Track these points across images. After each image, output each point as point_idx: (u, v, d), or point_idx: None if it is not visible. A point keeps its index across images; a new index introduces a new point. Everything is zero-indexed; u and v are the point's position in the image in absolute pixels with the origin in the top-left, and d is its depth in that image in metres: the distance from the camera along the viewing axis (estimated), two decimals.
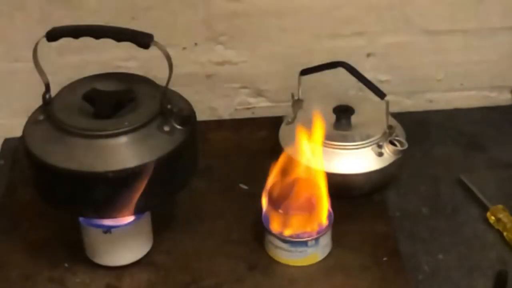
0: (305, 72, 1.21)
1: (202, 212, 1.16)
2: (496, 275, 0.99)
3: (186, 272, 1.07)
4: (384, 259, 1.08)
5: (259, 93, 1.38)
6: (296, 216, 1.06)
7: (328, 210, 1.07)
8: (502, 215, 1.11)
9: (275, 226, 1.07)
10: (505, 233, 1.10)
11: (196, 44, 1.31)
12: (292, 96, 1.23)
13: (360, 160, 1.15)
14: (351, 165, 1.14)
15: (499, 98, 1.40)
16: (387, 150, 1.15)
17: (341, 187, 1.09)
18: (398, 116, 1.21)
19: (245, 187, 1.19)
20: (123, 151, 0.97)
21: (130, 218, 1.04)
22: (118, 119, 0.99)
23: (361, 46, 1.33)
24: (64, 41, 0.99)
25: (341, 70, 1.16)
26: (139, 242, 1.08)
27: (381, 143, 1.15)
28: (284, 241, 1.06)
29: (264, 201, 1.08)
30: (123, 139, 0.97)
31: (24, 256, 1.10)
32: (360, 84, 1.16)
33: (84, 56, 1.28)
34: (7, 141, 1.32)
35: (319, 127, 1.09)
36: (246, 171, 1.23)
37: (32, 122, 1.02)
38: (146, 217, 1.07)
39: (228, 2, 1.27)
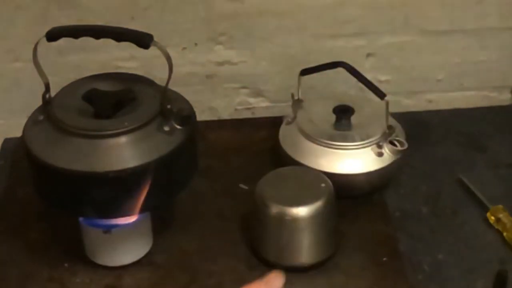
0: (305, 72, 1.21)
1: (202, 212, 1.16)
2: (496, 275, 0.99)
3: (186, 272, 1.07)
4: (384, 259, 1.08)
5: (259, 93, 1.38)
6: None
7: None
8: (502, 215, 1.11)
9: None
10: (505, 233, 1.10)
11: (196, 44, 1.31)
12: (292, 96, 1.23)
13: (360, 160, 1.15)
14: (351, 165, 1.14)
15: (499, 98, 1.40)
16: (387, 150, 1.15)
17: (341, 187, 1.09)
18: (398, 116, 1.21)
19: (245, 187, 1.19)
20: (123, 151, 0.97)
21: (130, 218, 1.04)
22: (118, 119, 0.99)
23: (361, 46, 1.33)
24: (64, 41, 0.99)
25: (341, 70, 1.16)
26: (139, 242, 1.08)
27: (381, 143, 1.15)
28: None
29: None
30: (123, 139, 0.97)
31: (24, 256, 1.10)
32: (360, 84, 1.16)
33: (84, 56, 1.28)
34: (7, 141, 1.32)
35: None
36: (246, 171, 1.23)
37: (32, 122, 1.02)
38: (146, 217, 1.07)
39: (228, 2, 1.28)
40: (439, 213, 1.16)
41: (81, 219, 1.05)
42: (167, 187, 1.01)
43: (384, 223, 1.13)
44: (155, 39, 0.97)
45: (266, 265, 1.07)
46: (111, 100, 1.00)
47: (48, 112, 1.00)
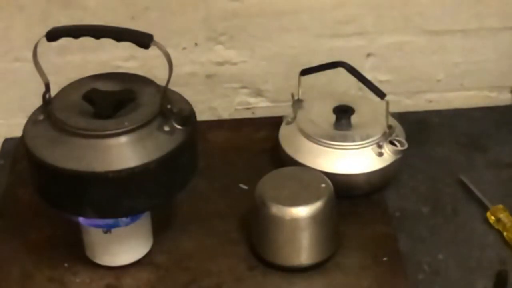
0: (305, 72, 1.21)
1: (202, 212, 1.16)
2: (496, 275, 0.99)
3: (186, 272, 1.07)
4: (384, 259, 1.08)
5: (259, 93, 1.38)
6: None
7: None
8: (502, 215, 1.11)
9: None
10: (505, 233, 1.10)
11: (196, 44, 1.31)
12: (292, 96, 1.23)
13: (360, 160, 1.15)
14: (351, 165, 1.14)
15: (499, 98, 1.40)
16: (387, 150, 1.15)
17: (341, 187, 1.09)
18: (398, 116, 1.21)
19: (245, 187, 1.19)
20: (123, 151, 0.97)
21: (130, 218, 1.04)
22: (118, 119, 0.99)
23: (361, 46, 1.33)
24: (64, 41, 0.99)
25: (341, 70, 1.16)
26: (139, 242, 1.08)
27: (381, 143, 1.15)
28: None
29: None
30: (123, 139, 0.97)
31: (24, 256, 1.10)
32: (360, 84, 1.16)
33: (84, 56, 1.28)
34: (7, 141, 1.32)
35: None
36: (246, 171, 1.23)
37: (32, 122, 1.02)
38: (146, 217, 1.07)
39: (228, 2, 1.28)
40: (439, 213, 1.16)
41: (81, 219, 1.05)
42: (167, 186, 1.01)
43: (384, 223, 1.13)
44: (155, 39, 0.97)
45: (266, 265, 1.07)
46: (111, 100, 1.00)
47: (48, 112, 1.00)
